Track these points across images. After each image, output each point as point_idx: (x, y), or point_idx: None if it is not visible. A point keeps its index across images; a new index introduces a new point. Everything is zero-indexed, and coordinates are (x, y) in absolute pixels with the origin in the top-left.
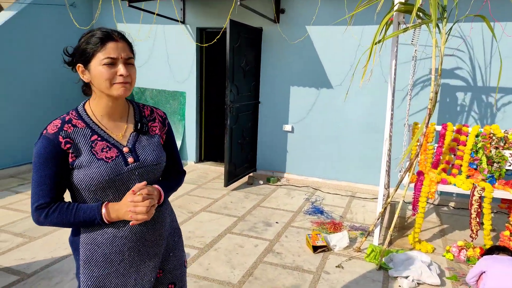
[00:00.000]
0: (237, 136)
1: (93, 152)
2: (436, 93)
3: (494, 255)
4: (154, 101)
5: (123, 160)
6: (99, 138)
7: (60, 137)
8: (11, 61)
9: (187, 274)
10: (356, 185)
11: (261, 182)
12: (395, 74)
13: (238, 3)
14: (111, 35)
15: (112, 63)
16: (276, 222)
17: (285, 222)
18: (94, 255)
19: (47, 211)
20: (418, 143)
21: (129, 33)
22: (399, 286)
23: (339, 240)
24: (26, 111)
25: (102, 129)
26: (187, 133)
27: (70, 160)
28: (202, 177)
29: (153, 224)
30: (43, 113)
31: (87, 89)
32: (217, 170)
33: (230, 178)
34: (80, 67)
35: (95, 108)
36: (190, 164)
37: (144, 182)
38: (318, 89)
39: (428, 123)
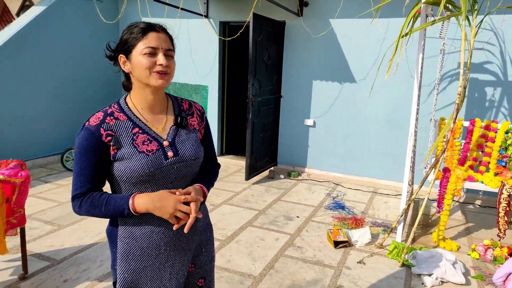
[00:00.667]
0: (258, 130)
1: (135, 144)
2: (465, 88)
3: None
4: (177, 95)
5: (163, 153)
6: (140, 131)
7: (101, 129)
8: (40, 56)
9: None
10: (378, 181)
11: (282, 176)
12: (421, 68)
13: None
14: (153, 26)
15: (153, 52)
16: (297, 216)
17: (306, 216)
18: (131, 248)
19: (81, 201)
20: (445, 139)
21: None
22: (422, 283)
23: (361, 236)
24: (54, 105)
25: (143, 122)
26: None
27: (112, 152)
28: (223, 171)
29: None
30: (69, 107)
31: (128, 83)
32: (238, 163)
33: (251, 171)
34: (122, 57)
35: (136, 100)
36: None
37: (190, 190)
38: (341, 83)
39: (455, 118)
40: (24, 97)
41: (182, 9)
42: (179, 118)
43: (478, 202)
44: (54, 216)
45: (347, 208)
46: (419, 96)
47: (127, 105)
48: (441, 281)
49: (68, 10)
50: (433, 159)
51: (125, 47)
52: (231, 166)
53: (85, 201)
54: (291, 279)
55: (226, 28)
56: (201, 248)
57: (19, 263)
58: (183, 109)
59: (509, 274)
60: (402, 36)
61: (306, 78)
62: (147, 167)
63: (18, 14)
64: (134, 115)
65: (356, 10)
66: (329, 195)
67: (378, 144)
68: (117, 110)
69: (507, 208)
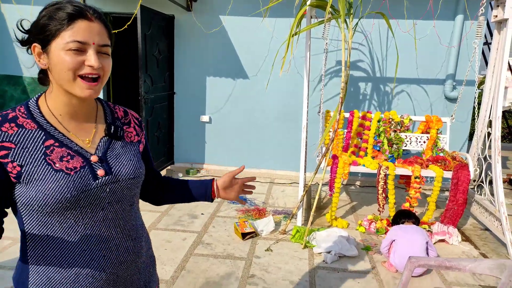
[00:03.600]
0: (153, 129)
1: (48, 161)
2: (346, 83)
3: (400, 225)
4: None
5: (91, 172)
6: (56, 144)
7: None
8: None
9: None
10: (274, 172)
11: (180, 174)
12: (309, 66)
13: None
14: (84, 12)
15: (81, 49)
16: (202, 214)
17: (210, 212)
18: None
19: None
20: (333, 130)
21: None
22: (323, 260)
23: (265, 225)
24: None
25: (61, 132)
26: None
27: (14, 171)
28: None
29: (127, 256)
30: None
31: (43, 77)
32: None
33: None
34: (36, 47)
35: (53, 104)
36: None
37: None
38: (234, 79)
39: (340, 110)
40: None
41: None
42: (112, 127)
43: (358, 183)
44: None
45: (249, 200)
46: (308, 91)
47: (38, 109)
48: (339, 256)
49: None
50: (323, 148)
51: (41, 35)
52: None
53: None
54: (204, 276)
55: (107, 19)
56: None
57: None
58: (117, 117)
59: (392, 242)
60: (292, 36)
61: (199, 74)
62: (68, 190)
63: None
64: (49, 123)
65: (246, 8)
66: None
67: (272, 136)
68: (23, 115)
69: (384, 186)
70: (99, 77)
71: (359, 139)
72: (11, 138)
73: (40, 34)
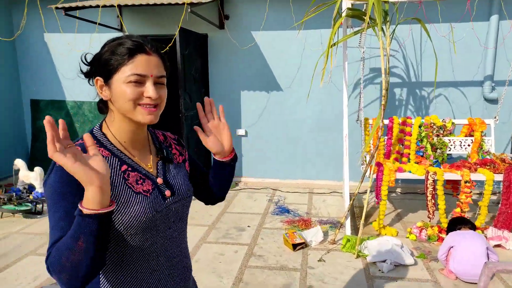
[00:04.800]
0: (192, 145)
1: (129, 184)
2: (387, 90)
3: (458, 231)
4: (94, 115)
5: (160, 193)
6: (129, 169)
7: None
8: None
9: None
10: (312, 182)
11: None
12: (347, 75)
13: (189, 11)
14: (143, 46)
15: (140, 81)
16: (248, 226)
17: (256, 225)
18: None
19: (49, 252)
20: (378, 137)
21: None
22: (379, 270)
23: (314, 235)
24: None
25: (130, 158)
26: None
27: None
28: None
29: (185, 273)
30: None
31: (103, 106)
32: None
33: None
34: (99, 80)
35: (116, 132)
36: None
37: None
38: (268, 92)
39: (383, 117)
40: None
41: (92, 22)
42: (164, 151)
43: (398, 190)
44: None
45: (291, 211)
46: (347, 100)
47: (105, 137)
48: (395, 265)
49: None
50: (367, 156)
51: (104, 69)
52: None
53: (55, 248)
54: None
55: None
56: None
57: None
58: (161, 141)
59: (450, 248)
60: (331, 46)
61: (233, 89)
62: (149, 211)
63: None
64: (118, 149)
65: (278, 22)
66: (271, 201)
67: (308, 147)
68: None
69: (433, 192)
70: (157, 107)
71: (401, 146)
72: None
73: (102, 68)
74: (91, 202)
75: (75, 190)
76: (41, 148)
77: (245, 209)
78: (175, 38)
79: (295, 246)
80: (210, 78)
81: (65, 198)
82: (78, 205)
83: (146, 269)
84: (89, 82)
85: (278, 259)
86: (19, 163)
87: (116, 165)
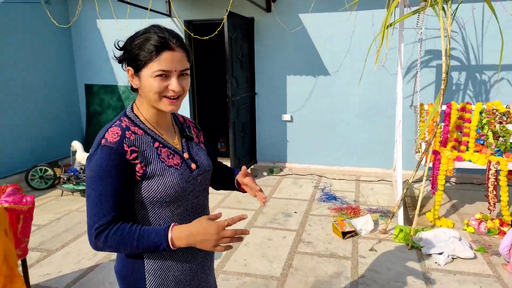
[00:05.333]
0: (238, 129)
1: (162, 159)
2: (447, 73)
3: None
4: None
5: (187, 167)
6: (161, 145)
7: (125, 145)
8: None
9: (227, 272)
10: (359, 169)
11: (265, 173)
12: (402, 57)
13: None
14: (168, 43)
15: (165, 75)
16: (295, 212)
17: (303, 211)
18: (165, 280)
19: (106, 234)
20: (435, 123)
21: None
22: (436, 262)
23: (364, 224)
24: (8, 118)
25: (160, 136)
26: None
27: (140, 171)
28: None
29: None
30: (26, 119)
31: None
32: None
33: None
34: (130, 70)
35: (146, 114)
36: None
37: (220, 213)
38: (315, 76)
39: (442, 103)
40: None
41: (143, 8)
42: (186, 130)
43: (453, 179)
44: (38, 242)
45: (339, 198)
46: (402, 84)
47: (138, 118)
48: (452, 258)
49: (16, 14)
50: (423, 144)
51: (134, 63)
52: None
53: (113, 235)
54: (314, 275)
55: (190, 27)
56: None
57: None
58: (181, 122)
59: None
60: (387, 27)
61: (279, 74)
62: (181, 182)
63: None
64: (149, 128)
65: (326, 4)
66: (316, 187)
67: (355, 133)
68: (131, 124)
69: (495, 183)
70: (179, 97)
71: (459, 133)
72: (134, 143)
73: (132, 63)
74: (181, 244)
75: (122, 169)
76: (94, 132)
77: (291, 195)
78: (223, 23)
79: (344, 234)
80: (256, 63)
81: (113, 175)
82: (169, 240)
83: None
84: (122, 67)
85: (328, 246)
86: (76, 145)
87: (149, 142)
